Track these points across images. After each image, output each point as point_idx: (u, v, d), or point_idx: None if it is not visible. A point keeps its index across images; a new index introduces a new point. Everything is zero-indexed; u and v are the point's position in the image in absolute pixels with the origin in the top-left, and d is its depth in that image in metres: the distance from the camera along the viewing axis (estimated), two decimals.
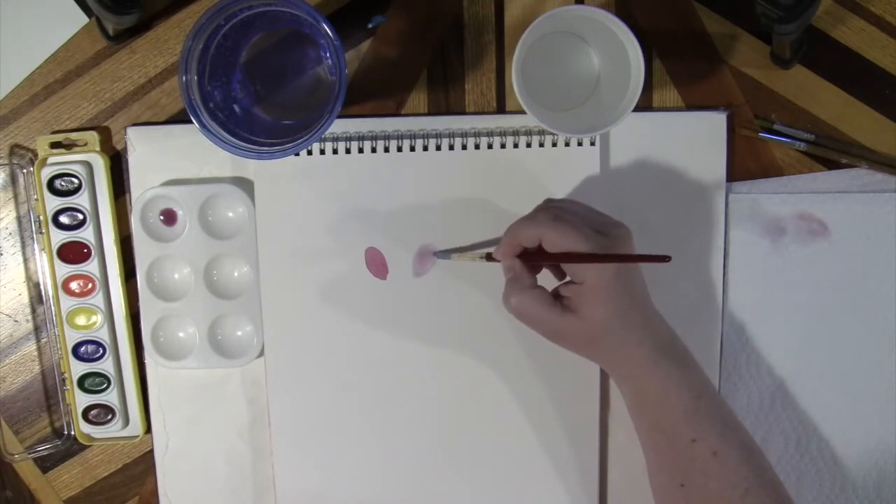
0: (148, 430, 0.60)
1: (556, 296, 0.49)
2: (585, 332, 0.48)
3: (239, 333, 0.59)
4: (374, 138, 0.57)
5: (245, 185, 0.58)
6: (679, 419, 0.48)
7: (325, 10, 0.57)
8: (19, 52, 0.58)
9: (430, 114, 0.58)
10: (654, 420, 0.49)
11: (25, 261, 0.60)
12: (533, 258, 0.50)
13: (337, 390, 0.58)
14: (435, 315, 0.58)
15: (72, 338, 0.59)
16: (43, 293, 0.59)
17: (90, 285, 0.58)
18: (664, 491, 0.50)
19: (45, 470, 0.61)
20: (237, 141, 0.51)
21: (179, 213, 0.58)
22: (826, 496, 0.60)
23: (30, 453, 0.60)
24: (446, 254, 0.57)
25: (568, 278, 0.49)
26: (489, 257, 0.53)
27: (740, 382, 0.59)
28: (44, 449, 0.60)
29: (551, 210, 0.49)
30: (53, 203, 0.57)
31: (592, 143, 0.57)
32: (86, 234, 0.58)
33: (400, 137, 0.57)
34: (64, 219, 0.58)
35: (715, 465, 0.47)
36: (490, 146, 0.57)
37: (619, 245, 0.48)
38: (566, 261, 0.47)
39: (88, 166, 0.58)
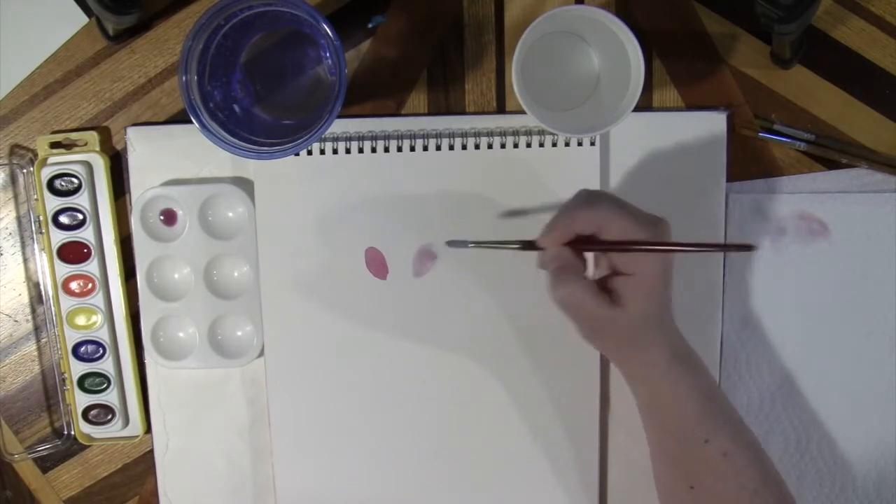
0: (148, 430, 0.60)
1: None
2: (628, 328, 0.46)
3: (239, 333, 0.59)
4: (374, 138, 0.57)
5: (245, 185, 0.58)
6: (693, 421, 0.47)
7: (325, 10, 0.57)
8: (19, 52, 0.58)
9: (430, 114, 0.58)
10: (667, 422, 0.48)
11: (25, 261, 0.60)
12: (585, 247, 0.47)
13: (337, 390, 0.58)
14: (435, 315, 0.58)
15: (72, 338, 0.59)
16: (43, 293, 0.59)
17: (90, 285, 0.58)
18: (673, 494, 0.50)
19: (45, 470, 0.61)
20: (237, 141, 0.51)
21: (179, 213, 0.58)
22: (826, 496, 0.60)
23: (30, 453, 0.60)
24: (462, 243, 0.54)
25: (602, 271, 0.48)
26: (527, 246, 0.49)
27: (740, 382, 0.59)
28: (44, 449, 0.60)
29: (606, 196, 0.46)
30: (53, 203, 0.57)
31: (592, 143, 0.57)
32: (86, 234, 0.58)
33: (400, 137, 0.57)
34: (64, 219, 0.58)
35: (725, 466, 0.46)
36: (490, 146, 0.57)
37: (665, 238, 0.46)
38: (630, 250, 0.45)
39: (88, 166, 0.58)
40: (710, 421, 0.47)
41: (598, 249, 0.47)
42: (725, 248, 0.44)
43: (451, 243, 0.55)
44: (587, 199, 0.47)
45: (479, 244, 0.53)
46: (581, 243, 0.47)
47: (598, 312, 0.46)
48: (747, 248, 0.43)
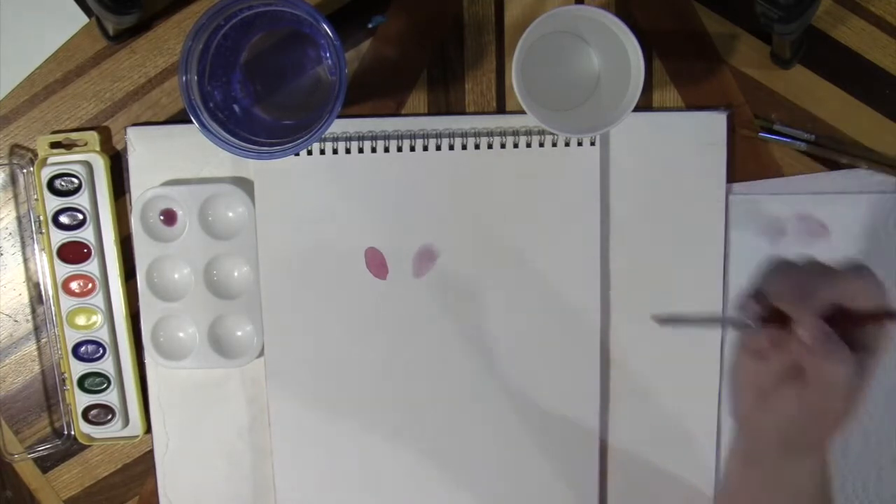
0: (148, 430, 0.60)
1: None
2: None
3: (239, 333, 0.59)
4: (374, 138, 0.57)
5: (245, 185, 0.58)
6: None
7: (325, 10, 0.57)
8: (19, 52, 0.58)
9: (430, 114, 0.58)
10: None
11: (25, 261, 0.60)
12: (844, 323, 0.39)
13: (336, 390, 0.58)
14: (435, 316, 0.58)
15: (72, 338, 0.59)
16: (43, 293, 0.59)
17: (90, 285, 0.58)
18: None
19: (45, 470, 0.61)
20: (237, 141, 0.51)
21: (179, 213, 0.58)
22: None
23: (30, 453, 0.60)
24: (677, 320, 0.48)
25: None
26: (770, 321, 0.40)
27: None
28: (44, 449, 0.60)
29: (844, 267, 0.40)
30: (53, 203, 0.57)
31: (592, 143, 0.57)
32: (86, 234, 0.58)
33: (400, 137, 0.57)
34: (64, 219, 0.58)
35: None
36: (490, 146, 0.57)
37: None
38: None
39: (88, 166, 0.58)
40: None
41: (850, 325, 0.39)
42: None
43: (660, 320, 0.51)
44: (829, 267, 0.41)
45: (691, 324, 0.48)
46: (834, 316, 0.39)
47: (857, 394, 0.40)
48: None
